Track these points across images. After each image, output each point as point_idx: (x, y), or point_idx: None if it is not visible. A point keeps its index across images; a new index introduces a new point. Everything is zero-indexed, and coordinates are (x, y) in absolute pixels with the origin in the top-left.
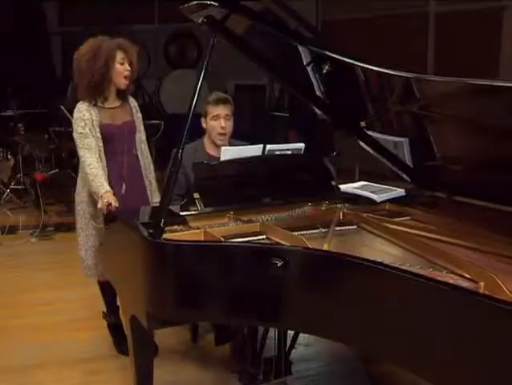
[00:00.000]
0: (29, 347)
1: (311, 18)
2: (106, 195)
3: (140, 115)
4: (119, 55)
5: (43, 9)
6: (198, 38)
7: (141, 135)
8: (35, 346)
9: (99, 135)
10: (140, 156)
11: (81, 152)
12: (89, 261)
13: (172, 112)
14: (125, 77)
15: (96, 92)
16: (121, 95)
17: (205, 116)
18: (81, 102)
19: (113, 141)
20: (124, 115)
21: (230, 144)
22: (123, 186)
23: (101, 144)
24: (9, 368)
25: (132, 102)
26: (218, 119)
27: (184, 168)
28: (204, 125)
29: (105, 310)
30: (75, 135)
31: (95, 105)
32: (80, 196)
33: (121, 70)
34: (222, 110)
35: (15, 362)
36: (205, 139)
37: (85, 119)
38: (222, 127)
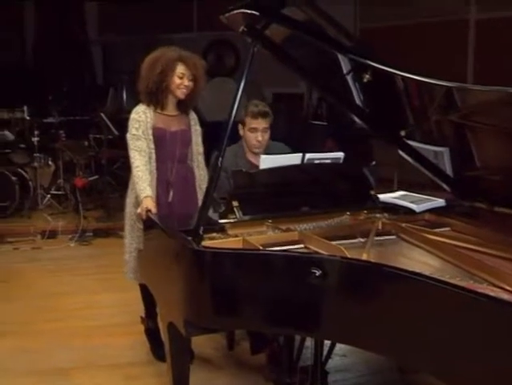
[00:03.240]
0: (68, 351)
1: (349, 26)
2: (146, 200)
3: (198, 128)
4: (179, 69)
5: (84, 18)
6: (236, 46)
7: (198, 148)
8: (74, 349)
9: (151, 137)
10: (195, 167)
11: (131, 154)
12: (132, 263)
13: (210, 120)
14: (182, 90)
15: (152, 99)
16: (181, 105)
17: (243, 125)
18: (140, 104)
19: (164, 146)
20: (180, 124)
21: (269, 147)
22: (171, 193)
23: (152, 147)
24: (49, 371)
25: (192, 114)
26: (255, 132)
27: (227, 172)
28: (241, 132)
29: (143, 315)
30: (128, 135)
31: (154, 110)
32: (129, 198)
33: (178, 83)
34: (260, 124)
35: (55, 365)
36: (244, 145)
37: (140, 121)
38: (258, 141)
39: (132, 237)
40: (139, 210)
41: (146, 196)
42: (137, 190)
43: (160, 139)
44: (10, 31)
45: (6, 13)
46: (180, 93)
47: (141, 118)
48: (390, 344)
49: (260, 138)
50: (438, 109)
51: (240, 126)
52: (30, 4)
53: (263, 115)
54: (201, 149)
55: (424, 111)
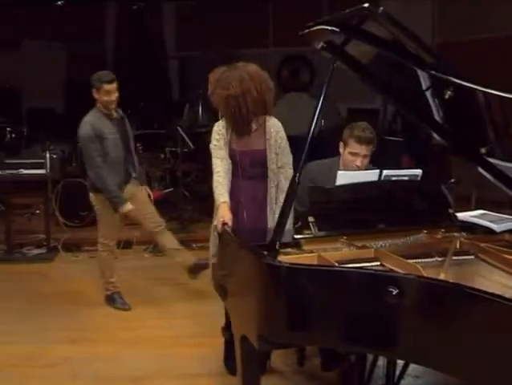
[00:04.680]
0: (139, 359)
1: (427, 40)
2: (222, 206)
3: (273, 143)
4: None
5: (162, 33)
6: (311, 61)
7: (271, 165)
8: (146, 358)
9: (227, 152)
10: (269, 183)
11: (213, 161)
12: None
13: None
14: None
15: None
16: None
17: (344, 143)
18: (222, 119)
19: (234, 164)
20: (253, 143)
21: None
22: (244, 213)
23: (230, 161)
24: (119, 378)
25: (271, 128)
26: (355, 157)
27: (315, 183)
28: (341, 150)
29: (223, 324)
30: (211, 145)
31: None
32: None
33: None
34: (362, 150)
35: (126, 373)
36: (341, 162)
37: (220, 134)
38: (357, 166)
39: (213, 244)
40: (215, 222)
41: (223, 202)
42: (215, 195)
43: (232, 156)
44: (91, 47)
45: (87, 29)
46: None
47: (221, 131)
48: (466, 367)
49: (359, 163)
50: None
51: (341, 144)
52: (112, 21)
53: (368, 142)
54: (273, 166)
55: (506, 127)
